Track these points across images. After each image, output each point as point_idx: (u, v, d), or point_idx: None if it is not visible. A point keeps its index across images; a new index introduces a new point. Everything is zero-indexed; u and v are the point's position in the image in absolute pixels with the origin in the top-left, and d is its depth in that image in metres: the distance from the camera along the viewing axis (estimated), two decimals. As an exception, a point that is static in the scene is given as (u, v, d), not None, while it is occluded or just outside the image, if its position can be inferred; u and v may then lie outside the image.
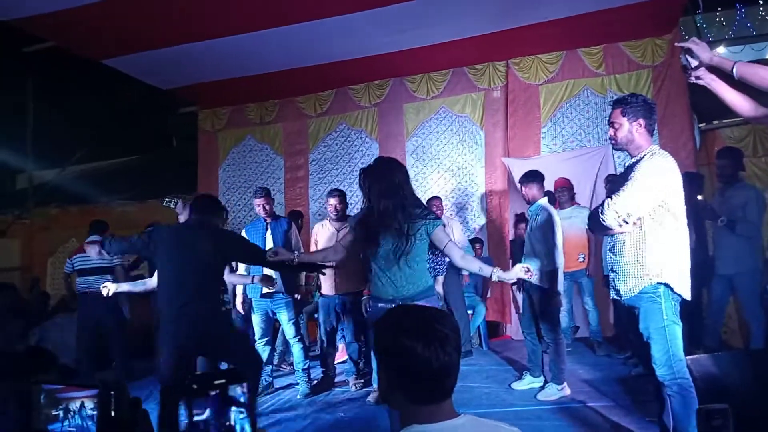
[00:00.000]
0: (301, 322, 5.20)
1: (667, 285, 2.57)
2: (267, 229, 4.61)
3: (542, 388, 4.15)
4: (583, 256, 5.16)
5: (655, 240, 2.59)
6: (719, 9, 12.31)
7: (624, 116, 2.70)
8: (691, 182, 4.39)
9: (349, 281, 4.55)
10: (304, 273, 4.71)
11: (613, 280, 2.77)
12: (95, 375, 5.23)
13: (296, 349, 4.60)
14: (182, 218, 5.26)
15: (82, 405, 1.38)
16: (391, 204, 2.76)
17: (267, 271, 4.16)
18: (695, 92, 6.12)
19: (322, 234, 4.67)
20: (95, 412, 1.34)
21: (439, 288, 4.99)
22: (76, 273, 5.55)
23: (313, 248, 4.66)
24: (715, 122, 6.40)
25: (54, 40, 6.22)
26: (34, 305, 6.94)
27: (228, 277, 3.98)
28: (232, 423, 1.01)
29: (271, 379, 4.83)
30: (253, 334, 4.78)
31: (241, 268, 4.61)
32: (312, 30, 5.69)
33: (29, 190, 9.43)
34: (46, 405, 1.46)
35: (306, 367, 4.61)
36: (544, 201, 4.20)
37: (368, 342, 4.58)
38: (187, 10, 5.28)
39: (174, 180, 8.31)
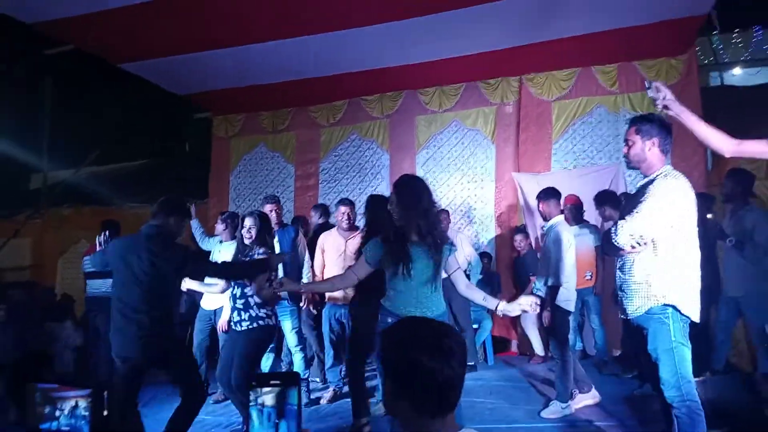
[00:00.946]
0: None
1: (674, 307, 2.56)
2: (274, 237, 4.62)
3: (546, 405, 4.13)
4: (590, 273, 5.14)
5: (664, 261, 2.59)
6: (736, 30, 12.33)
7: (638, 134, 2.71)
8: (702, 203, 4.39)
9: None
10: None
11: (621, 299, 2.77)
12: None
13: (297, 359, 4.60)
14: (193, 223, 5.33)
15: (76, 405, 1.40)
16: (430, 223, 2.82)
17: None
18: (708, 114, 6.13)
19: (330, 243, 4.63)
20: (88, 413, 1.36)
21: None
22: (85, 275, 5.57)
23: (318, 257, 4.66)
24: (728, 144, 6.35)
25: (75, 44, 6.33)
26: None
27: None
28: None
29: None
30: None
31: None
32: (327, 41, 5.76)
33: (43, 189, 9.55)
34: (40, 404, 1.47)
35: (306, 377, 4.61)
36: (560, 218, 4.24)
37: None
38: (206, 19, 5.37)
39: (186, 185, 8.39)
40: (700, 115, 5.97)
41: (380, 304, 2.96)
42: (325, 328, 4.67)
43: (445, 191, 6.96)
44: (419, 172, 7.05)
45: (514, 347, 6.43)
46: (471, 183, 6.90)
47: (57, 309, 6.77)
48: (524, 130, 6.68)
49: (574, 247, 4.08)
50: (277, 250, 4.59)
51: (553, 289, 4.03)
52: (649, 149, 2.69)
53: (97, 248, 3.60)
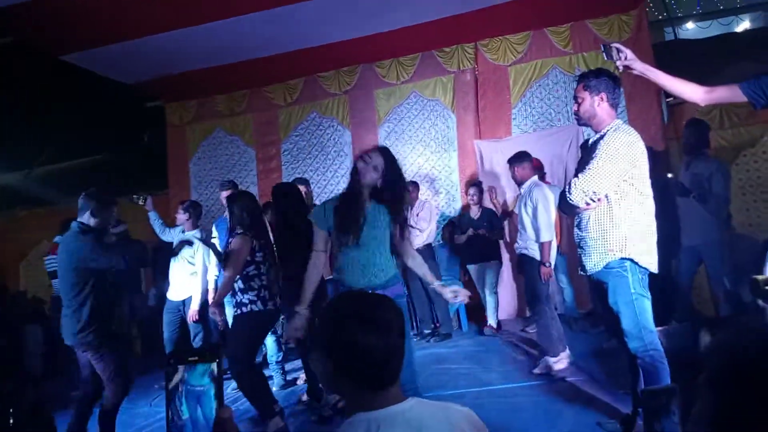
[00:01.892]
0: None
1: (631, 259, 2.60)
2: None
3: (536, 363, 4.19)
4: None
5: (619, 215, 2.61)
6: (686, -17, 12.44)
7: (586, 90, 2.71)
8: (658, 157, 4.46)
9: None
10: None
11: (580, 256, 2.80)
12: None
13: (269, 342, 4.56)
14: (151, 215, 5.19)
15: None
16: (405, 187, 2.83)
17: None
18: (663, 68, 6.19)
19: None
20: None
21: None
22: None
23: None
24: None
25: (11, 36, 6.01)
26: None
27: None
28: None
29: None
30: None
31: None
32: (277, 17, 5.59)
33: (-7, 193, 9.19)
34: None
35: (280, 359, 4.59)
36: (535, 178, 4.37)
37: None
38: (146, 1, 5.14)
39: (144, 176, 8.16)
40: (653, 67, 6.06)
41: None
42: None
43: (409, 164, 6.92)
44: (382, 147, 7.00)
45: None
46: (434, 154, 6.88)
47: (28, 312, 6.62)
48: (483, 97, 6.66)
49: (554, 204, 4.12)
50: (217, 241, 4.53)
51: (545, 246, 4.09)
52: (598, 104, 2.69)
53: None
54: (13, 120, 9.12)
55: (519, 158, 4.39)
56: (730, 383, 0.80)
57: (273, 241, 3.80)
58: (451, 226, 6.28)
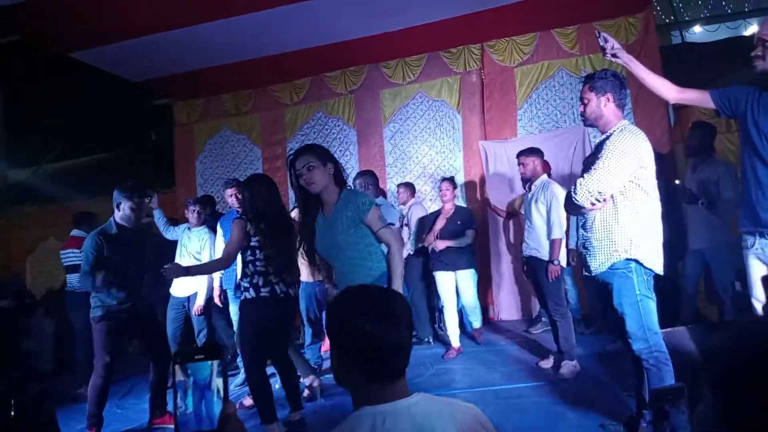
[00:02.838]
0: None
1: (637, 261, 2.59)
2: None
3: (559, 365, 4.14)
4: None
5: (625, 216, 2.61)
6: (694, -13, 12.42)
7: (592, 91, 2.72)
8: (665, 158, 4.45)
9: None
10: None
11: (585, 257, 2.80)
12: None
13: None
14: (156, 213, 5.23)
15: None
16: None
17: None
18: (670, 71, 6.18)
19: None
20: None
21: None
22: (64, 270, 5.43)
23: None
24: (689, 99, 6.42)
25: (19, 34, 6.06)
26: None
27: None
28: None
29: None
30: (226, 326, 4.76)
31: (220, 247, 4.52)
32: (284, 16, 5.61)
33: (3, 189, 9.25)
34: None
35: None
36: (546, 176, 4.30)
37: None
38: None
39: (152, 174, 8.20)
40: (661, 72, 6.08)
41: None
42: (302, 306, 4.65)
43: (414, 164, 6.94)
44: (387, 146, 7.02)
45: (491, 313, 6.50)
46: (439, 154, 6.88)
47: (35, 307, 6.68)
48: (489, 98, 6.66)
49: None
50: (220, 239, 4.53)
51: (556, 243, 4.04)
52: (604, 105, 2.69)
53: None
54: (23, 117, 9.19)
55: (531, 152, 4.32)
56: (729, 385, 0.80)
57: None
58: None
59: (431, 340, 5.43)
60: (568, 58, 6.41)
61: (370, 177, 4.71)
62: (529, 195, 4.33)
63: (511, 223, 6.14)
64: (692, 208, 4.49)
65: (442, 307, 5.15)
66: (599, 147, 2.71)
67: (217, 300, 4.79)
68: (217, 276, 4.71)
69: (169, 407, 3.88)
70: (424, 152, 6.92)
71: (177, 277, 3.26)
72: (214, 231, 4.80)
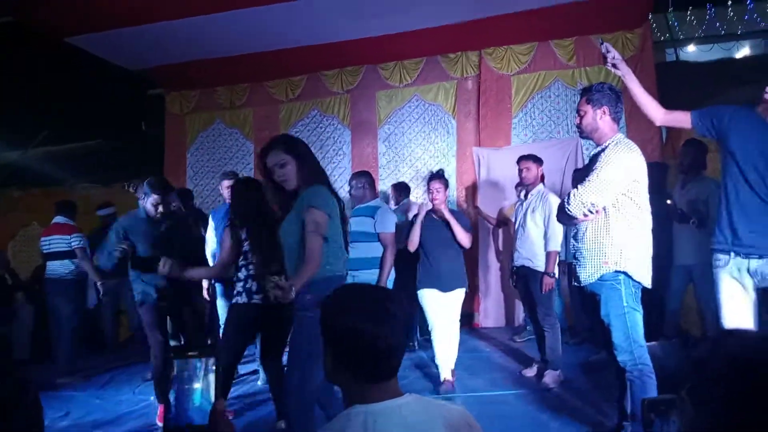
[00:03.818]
0: None
1: (626, 273, 2.61)
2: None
3: (543, 374, 4.15)
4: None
5: (616, 228, 2.63)
6: (690, 8, 12.63)
7: (589, 104, 2.74)
8: (656, 172, 4.49)
9: None
10: None
11: (575, 267, 2.81)
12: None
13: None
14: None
15: None
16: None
17: None
18: (664, 88, 6.25)
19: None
20: None
21: None
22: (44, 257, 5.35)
23: None
24: (681, 117, 6.51)
25: (14, 16, 5.98)
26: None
27: None
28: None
29: None
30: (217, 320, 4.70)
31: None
32: (284, 13, 5.59)
33: (-12, 171, 9.11)
34: None
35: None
36: (542, 186, 4.25)
37: None
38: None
39: (141, 164, 8.12)
40: (655, 88, 6.14)
41: None
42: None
43: (408, 167, 6.94)
44: (381, 148, 7.01)
45: (476, 319, 6.51)
46: (433, 158, 6.89)
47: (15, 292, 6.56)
48: (484, 105, 6.69)
49: None
50: (210, 232, 4.50)
51: (552, 256, 4.00)
52: (600, 118, 2.72)
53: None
54: (13, 100, 9.06)
55: (534, 158, 4.25)
56: (703, 398, 0.78)
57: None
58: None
59: (416, 345, 5.42)
60: (565, 70, 6.46)
61: (366, 178, 4.65)
62: (525, 204, 4.26)
63: (500, 231, 6.15)
64: (680, 226, 4.53)
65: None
66: (594, 159, 2.74)
67: (205, 293, 4.74)
68: None
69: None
70: (418, 155, 6.92)
71: (171, 275, 3.21)
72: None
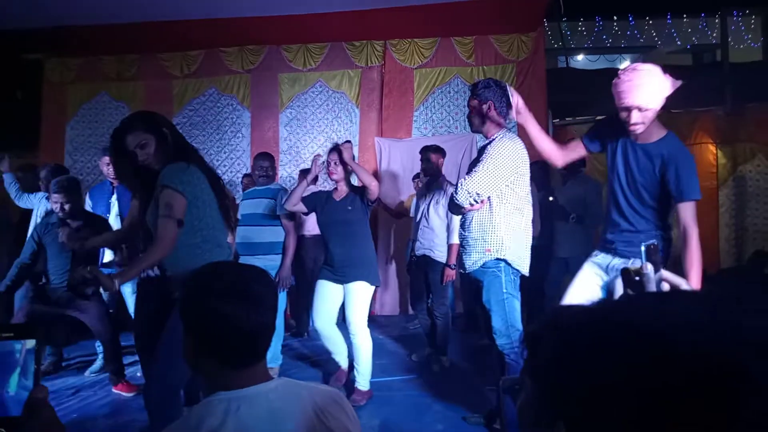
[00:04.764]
0: None
1: (506, 261, 2.74)
2: (113, 193, 4.22)
3: (432, 360, 4.28)
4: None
5: (498, 218, 2.75)
6: (581, 19, 13.57)
7: (476, 98, 2.84)
8: (540, 170, 4.77)
9: None
10: None
11: (461, 255, 2.91)
12: None
13: None
14: (6, 178, 4.67)
15: None
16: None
17: None
18: (551, 90, 6.66)
19: None
20: None
21: None
22: None
23: None
24: (568, 119, 7.00)
25: None
26: None
27: None
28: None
29: None
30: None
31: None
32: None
33: None
34: None
35: None
36: (444, 178, 4.30)
37: None
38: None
39: (13, 136, 7.31)
40: (545, 92, 6.47)
41: None
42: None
43: (309, 153, 6.82)
44: (282, 132, 6.84)
45: (373, 308, 6.56)
46: (335, 146, 6.82)
47: None
48: (387, 96, 6.73)
49: None
50: (115, 209, 4.21)
51: (454, 248, 3.90)
52: (486, 112, 2.81)
53: None
54: None
55: (436, 149, 4.29)
56: (536, 371, 0.80)
57: None
58: None
59: (309, 334, 5.37)
60: (464, 67, 6.65)
61: (272, 161, 4.46)
62: (428, 195, 4.28)
63: (396, 222, 6.23)
64: (560, 222, 4.86)
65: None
66: (481, 151, 2.84)
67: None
68: None
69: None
70: (320, 143, 6.83)
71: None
72: None
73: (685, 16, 12.35)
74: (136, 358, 4.27)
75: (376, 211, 6.48)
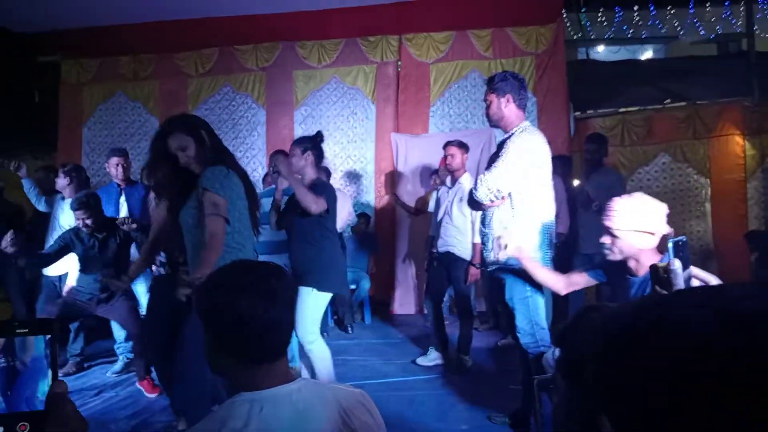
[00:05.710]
0: None
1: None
2: (121, 194, 4.21)
3: (454, 359, 4.15)
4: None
5: (520, 214, 2.66)
6: (601, 9, 13.30)
7: (493, 93, 2.77)
8: (562, 164, 4.66)
9: None
10: None
11: (483, 252, 2.82)
12: None
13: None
14: (25, 183, 4.68)
15: None
16: None
17: None
18: (572, 82, 6.51)
19: None
20: None
21: None
22: None
23: None
24: (590, 111, 6.84)
25: None
26: None
27: None
28: None
29: None
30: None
31: None
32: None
33: None
34: None
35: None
36: (468, 175, 4.14)
37: None
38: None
39: (32, 138, 7.38)
40: (566, 84, 6.33)
41: None
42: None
43: (325, 151, 6.74)
44: (297, 130, 6.78)
45: (391, 307, 6.49)
46: (351, 143, 6.77)
47: None
48: (403, 91, 6.64)
49: None
50: (124, 212, 4.19)
51: (478, 247, 3.76)
52: (505, 106, 2.74)
53: None
54: None
55: (460, 144, 4.16)
56: (569, 370, 0.80)
57: None
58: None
59: (327, 332, 5.32)
60: (481, 60, 6.53)
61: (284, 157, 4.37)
62: (451, 192, 4.15)
63: (416, 219, 6.13)
64: (584, 215, 4.73)
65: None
66: (501, 146, 2.75)
67: None
68: None
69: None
70: (336, 139, 6.76)
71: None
72: None
73: (708, 4, 12.01)
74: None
75: (393, 210, 6.41)
